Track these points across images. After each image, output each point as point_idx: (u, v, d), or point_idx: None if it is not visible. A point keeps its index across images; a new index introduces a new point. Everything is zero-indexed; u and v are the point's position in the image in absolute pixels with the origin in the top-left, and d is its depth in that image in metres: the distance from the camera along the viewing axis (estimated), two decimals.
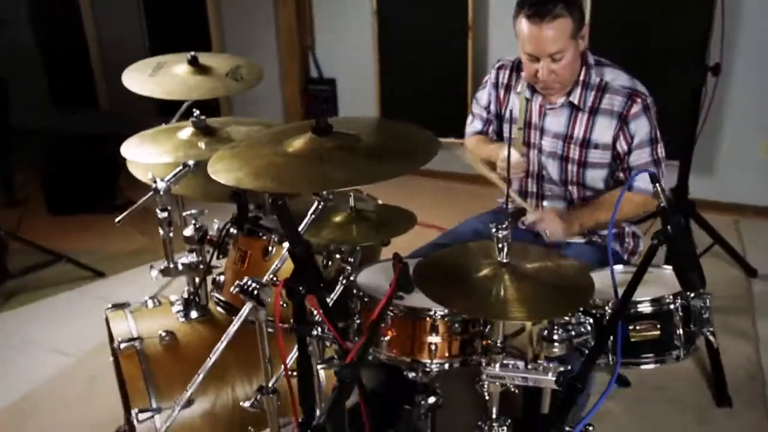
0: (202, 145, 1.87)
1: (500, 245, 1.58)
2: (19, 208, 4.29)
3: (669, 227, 1.45)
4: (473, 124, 2.40)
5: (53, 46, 5.68)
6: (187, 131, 1.94)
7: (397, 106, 4.60)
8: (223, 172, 1.38)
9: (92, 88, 5.56)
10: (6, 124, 5.66)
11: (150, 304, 2.10)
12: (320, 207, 1.56)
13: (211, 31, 5.05)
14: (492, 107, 2.31)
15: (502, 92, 2.28)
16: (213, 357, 1.40)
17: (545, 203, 2.26)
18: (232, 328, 1.39)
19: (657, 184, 1.46)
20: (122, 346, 1.86)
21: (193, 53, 2.44)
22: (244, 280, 1.37)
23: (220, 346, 1.39)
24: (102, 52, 5.52)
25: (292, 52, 4.85)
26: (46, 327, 3.12)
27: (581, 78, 2.08)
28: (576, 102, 2.09)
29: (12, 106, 5.77)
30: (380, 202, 2.07)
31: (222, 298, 1.83)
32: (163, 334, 1.91)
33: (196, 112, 1.94)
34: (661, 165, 2.08)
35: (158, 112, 5.23)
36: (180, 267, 1.96)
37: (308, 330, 1.26)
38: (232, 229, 1.78)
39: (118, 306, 2.07)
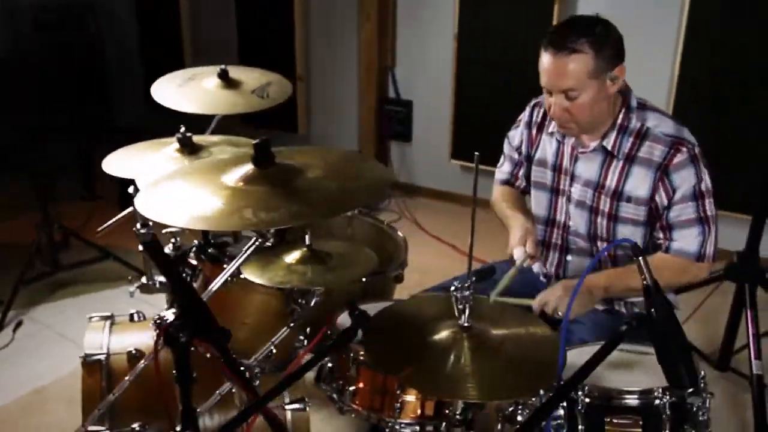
0: (186, 162, 1.81)
1: (460, 306, 1.40)
2: (95, 203, 4.49)
3: (653, 311, 1.22)
4: (503, 167, 2.21)
5: (153, 48, 5.93)
6: (172, 147, 1.87)
7: (471, 132, 4.43)
8: (147, 203, 1.27)
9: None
10: (111, 122, 6.04)
11: (136, 318, 2.06)
12: (256, 244, 1.44)
13: (296, 44, 5.09)
14: (523, 148, 2.11)
15: (534, 132, 2.08)
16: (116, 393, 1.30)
17: (569, 257, 2.02)
18: (139, 365, 1.29)
19: (640, 258, 1.22)
20: (88, 359, 1.82)
21: (223, 67, 2.43)
22: (162, 314, 1.28)
23: (125, 384, 1.29)
24: (195, 56, 5.70)
25: (371, 71, 4.78)
26: (82, 323, 3.19)
27: (619, 121, 1.85)
28: (609, 147, 1.86)
29: (116, 105, 6.13)
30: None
31: None
32: (134, 351, 1.85)
33: (182, 128, 1.86)
34: (710, 224, 1.81)
35: (242, 117, 5.42)
36: (158, 285, 1.90)
37: (191, 383, 1.14)
38: (192, 257, 1.70)
39: (104, 318, 2.05)
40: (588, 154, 1.91)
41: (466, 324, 1.40)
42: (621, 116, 1.86)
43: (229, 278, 1.47)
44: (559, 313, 1.76)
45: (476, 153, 1.32)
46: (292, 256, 1.52)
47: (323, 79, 5.15)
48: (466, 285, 1.38)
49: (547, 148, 2.02)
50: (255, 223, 1.13)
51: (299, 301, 1.50)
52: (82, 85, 5.41)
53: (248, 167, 1.30)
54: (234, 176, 1.29)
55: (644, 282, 1.21)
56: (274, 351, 1.59)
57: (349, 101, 4.98)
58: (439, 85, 4.55)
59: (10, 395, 2.63)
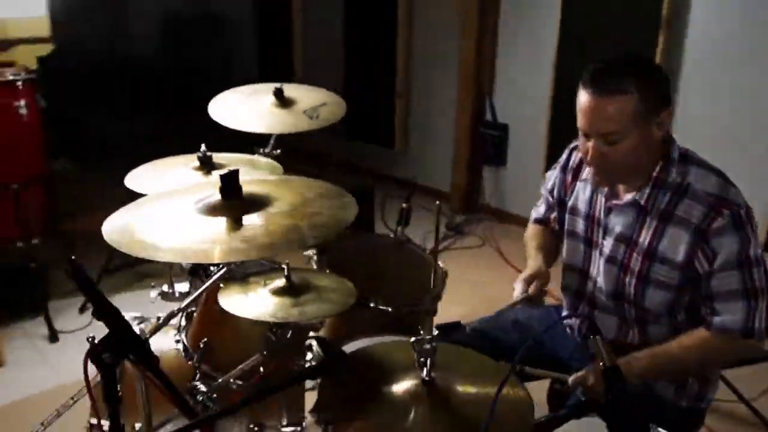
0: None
1: (422, 360, 1.33)
2: None
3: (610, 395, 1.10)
4: (539, 208, 2.09)
5: (269, 62, 6.18)
6: (191, 165, 1.91)
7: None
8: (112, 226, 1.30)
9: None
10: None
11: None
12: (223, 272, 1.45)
13: (398, 61, 5.13)
14: (555, 192, 1.98)
15: (569, 177, 1.94)
16: None
17: (596, 313, 1.87)
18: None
19: (597, 338, 1.10)
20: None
21: (279, 85, 2.48)
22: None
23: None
24: (305, 71, 5.89)
25: (469, 92, 4.72)
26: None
27: (656, 174, 1.67)
28: (642, 203, 1.69)
29: None
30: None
31: (179, 338, 1.79)
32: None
33: (203, 147, 1.90)
34: (757, 296, 1.60)
35: (346, 130, 5.54)
36: (177, 294, 1.97)
37: (118, 403, 1.16)
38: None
39: (134, 318, 2.14)
40: (622, 207, 1.75)
41: (427, 378, 1.33)
42: (658, 169, 1.68)
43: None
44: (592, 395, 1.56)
45: (437, 202, 1.25)
46: (271, 286, 1.51)
47: (422, 98, 5.15)
48: (428, 338, 1.31)
49: (580, 196, 1.88)
50: (188, 256, 1.14)
51: (274, 330, 1.50)
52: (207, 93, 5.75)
53: (215, 197, 1.31)
54: (200, 205, 1.31)
55: (601, 365, 1.08)
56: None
57: (446, 121, 4.95)
58: (535, 111, 4.42)
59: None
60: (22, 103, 3.07)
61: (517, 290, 1.84)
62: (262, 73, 6.17)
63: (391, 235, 2.58)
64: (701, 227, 1.60)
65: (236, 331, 1.64)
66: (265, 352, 1.49)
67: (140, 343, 1.15)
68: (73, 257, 1.06)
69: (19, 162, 3.11)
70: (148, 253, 1.14)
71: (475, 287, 3.74)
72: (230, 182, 1.31)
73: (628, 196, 1.72)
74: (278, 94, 2.47)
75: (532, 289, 1.83)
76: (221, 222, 1.25)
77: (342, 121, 5.73)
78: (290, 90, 2.53)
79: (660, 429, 1.36)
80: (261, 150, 2.62)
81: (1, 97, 3.08)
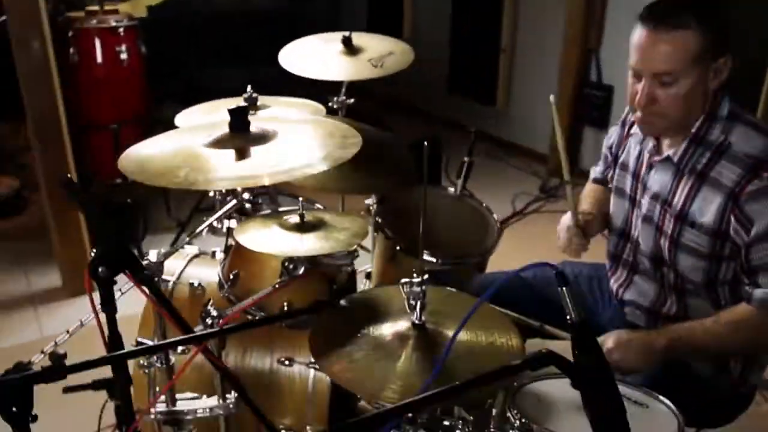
0: None
1: (412, 303, 1.33)
2: None
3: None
4: (598, 166, 1.99)
5: (379, 14, 6.18)
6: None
7: None
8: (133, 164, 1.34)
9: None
10: None
11: (219, 255, 2.25)
12: (236, 205, 1.49)
13: (504, 16, 4.98)
14: (614, 147, 1.88)
15: (626, 131, 1.83)
16: None
17: (636, 278, 1.77)
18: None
19: (564, 288, 1.03)
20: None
21: (347, 33, 2.49)
22: None
23: None
24: (414, 25, 5.85)
25: (575, 51, 4.49)
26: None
27: (695, 129, 1.54)
28: (675, 160, 1.57)
29: None
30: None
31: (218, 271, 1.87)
32: (195, 284, 2.03)
33: (249, 88, 1.94)
34: None
35: (447, 84, 5.48)
36: (223, 229, 2.05)
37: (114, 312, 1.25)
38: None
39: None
40: (663, 163, 1.63)
41: (417, 321, 1.33)
42: (698, 124, 1.54)
43: None
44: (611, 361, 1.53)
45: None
46: (284, 223, 1.56)
47: (527, 55, 4.97)
48: (417, 281, 1.30)
49: (631, 151, 1.77)
50: (180, 182, 1.19)
51: (287, 265, 1.54)
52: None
53: (224, 131, 1.36)
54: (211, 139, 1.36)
55: (568, 319, 1.03)
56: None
57: (548, 80, 4.74)
58: None
59: None
60: (123, 48, 3.29)
61: (565, 221, 1.80)
62: (371, 24, 6.20)
63: (450, 190, 2.55)
64: (734, 190, 1.47)
65: (262, 265, 1.70)
66: (276, 286, 1.54)
67: (134, 262, 1.22)
68: (68, 174, 1.13)
69: (118, 104, 3.35)
70: (144, 178, 1.21)
71: (554, 252, 3.63)
72: (239, 117, 1.35)
73: (670, 151, 1.60)
74: (346, 42, 2.49)
75: (581, 215, 1.80)
76: (228, 153, 1.29)
77: (446, 76, 5.67)
78: (359, 39, 2.53)
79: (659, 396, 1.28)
80: (334, 99, 2.67)
81: (104, 43, 3.31)
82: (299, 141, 1.37)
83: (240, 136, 1.34)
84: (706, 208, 1.52)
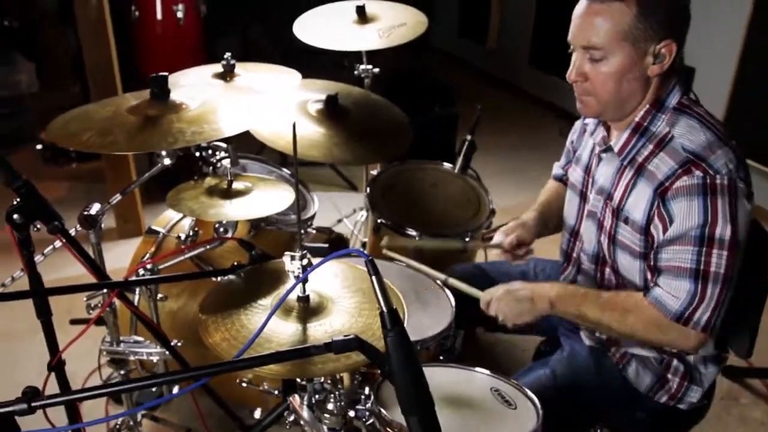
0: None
1: (293, 275, 1.37)
2: None
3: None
4: (561, 161, 1.91)
5: None
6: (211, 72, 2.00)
7: (750, 105, 3.70)
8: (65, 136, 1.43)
9: (486, 26, 5.82)
10: (427, 44, 6.51)
11: None
12: (158, 166, 1.57)
13: None
14: (575, 143, 1.80)
15: (584, 124, 1.75)
16: None
17: (579, 278, 1.71)
18: None
19: (372, 278, 1.02)
20: (149, 231, 2.20)
21: (361, 2, 2.49)
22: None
23: None
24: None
25: None
26: None
27: (637, 119, 1.45)
28: (616, 150, 1.49)
29: (434, 30, 6.55)
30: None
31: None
32: (182, 237, 2.17)
33: (227, 54, 2.00)
34: (708, 284, 1.35)
35: (530, 58, 5.32)
36: None
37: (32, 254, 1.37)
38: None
39: None
40: (607, 154, 1.54)
41: (301, 294, 1.37)
42: (643, 113, 1.44)
43: None
44: (497, 316, 1.56)
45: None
46: (210, 187, 1.64)
47: None
48: (299, 255, 1.34)
49: (586, 144, 1.69)
50: (90, 144, 1.29)
51: (217, 227, 1.62)
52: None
53: (143, 98, 1.44)
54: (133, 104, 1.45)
55: (380, 310, 1.03)
56: None
57: None
58: (725, 53, 3.82)
59: None
60: (180, 7, 3.46)
61: (495, 239, 1.75)
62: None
63: (444, 166, 2.53)
64: (664, 184, 1.38)
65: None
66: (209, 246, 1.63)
67: (50, 211, 1.34)
68: None
69: (174, 60, 3.51)
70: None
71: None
72: (159, 85, 1.44)
73: (611, 142, 1.52)
74: (360, 11, 2.50)
75: (507, 240, 1.73)
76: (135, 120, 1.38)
77: (529, 50, 5.50)
78: (374, 7, 2.54)
79: None
80: (358, 66, 2.71)
81: (161, 2, 3.49)
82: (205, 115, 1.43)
83: (158, 105, 1.42)
84: (639, 203, 1.44)
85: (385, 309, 1.03)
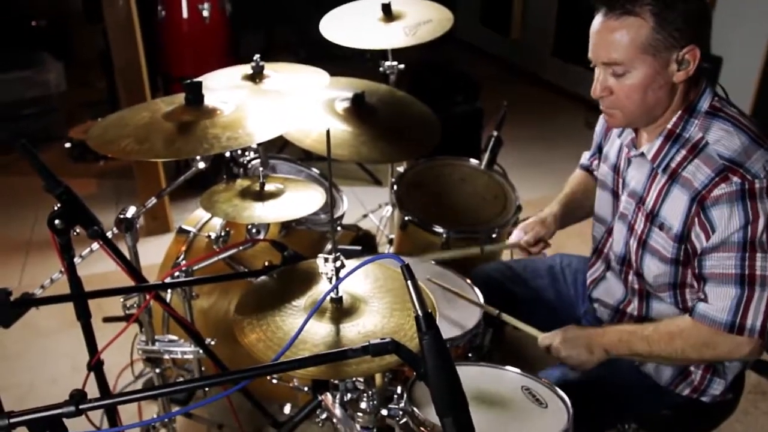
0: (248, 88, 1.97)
1: (327, 278, 1.39)
2: None
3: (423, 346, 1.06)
4: (589, 152, 1.91)
5: None
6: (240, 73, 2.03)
7: None
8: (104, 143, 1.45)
9: (509, 16, 5.79)
10: (450, 35, 6.49)
11: None
12: (194, 169, 1.60)
13: None
14: (599, 136, 1.80)
15: None
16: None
17: (608, 274, 1.72)
18: None
19: (408, 282, 1.04)
20: (180, 230, 2.24)
21: (387, 0, 2.50)
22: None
23: None
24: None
25: None
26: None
27: (669, 126, 1.45)
28: (650, 157, 1.48)
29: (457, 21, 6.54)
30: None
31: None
32: (212, 236, 2.20)
33: (257, 56, 2.02)
34: (755, 287, 1.35)
35: (553, 49, 5.28)
36: None
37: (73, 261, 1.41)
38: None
39: None
40: (638, 159, 1.54)
41: (334, 296, 1.39)
42: (675, 120, 1.43)
43: None
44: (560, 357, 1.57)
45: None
46: (243, 190, 1.66)
47: None
48: (333, 257, 1.36)
49: (613, 142, 1.68)
50: (128, 151, 1.32)
51: (249, 228, 1.65)
52: None
53: (180, 103, 1.47)
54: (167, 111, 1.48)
55: (415, 314, 1.05)
56: None
57: None
58: (753, 42, 3.77)
59: None
60: (206, 6, 3.49)
61: (513, 237, 1.76)
62: None
63: (470, 163, 2.54)
64: (701, 192, 1.37)
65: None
66: (242, 248, 1.66)
67: (88, 216, 1.38)
68: (23, 141, 1.29)
69: (200, 58, 3.57)
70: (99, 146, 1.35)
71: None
72: (194, 91, 1.46)
73: (645, 146, 1.51)
74: (386, 9, 2.51)
75: (526, 237, 1.74)
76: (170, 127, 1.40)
77: (553, 40, 5.46)
78: (400, 4, 2.54)
79: None
80: (383, 63, 2.71)
81: (187, 1, 3.52)
82: (239, 120, 1.45)
83: (192, 110, 1.44)
84: (675, 210, 1.43)
85: (420, 313, 1.05)
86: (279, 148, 2.70)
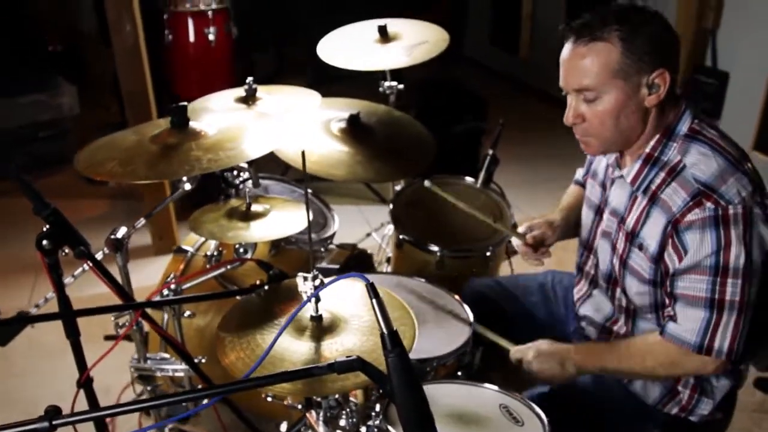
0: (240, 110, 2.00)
1: (306, 296, 1.41)
2: None
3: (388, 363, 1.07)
4: (583, 167, 1.92)
5: None
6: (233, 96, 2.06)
7: None
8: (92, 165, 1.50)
9: (517, 36, 5.83)
10: (459, 53, 6.56)
11: None
12: (178, 191, 1.63)
13: None
14: (593, 158, 1.81)
15: None
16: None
17: (595, 292, 1.72)
18: None
19: (373, 301, 1.06)
20: (178, 250, 2.28)
21: (383, 22, 2.54)
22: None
23: None
24: (534, 9, 5.70)
25: (688, 31, 4.14)
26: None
27: (647, 150, 1.46)
28: (629, 180, 1.49)
29: (466, 39, 6.60)
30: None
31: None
32: (212, 254, 2.23)
33: (250, 79, 2.05)
34: (723, 312, 1.35)
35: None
36: None
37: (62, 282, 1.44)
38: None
39: None
40: (620, 180, 1.55)
41: (314, 314, 1.41)
42: (653, 143, 1.44)
43: None
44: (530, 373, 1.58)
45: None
46: (230, 210, 1.69)
47: None
48: (312, 275, 1.38)
49: (602, 160, 1.69)
50: (113, 173, 1.36)
51: (237, 248, 1.68)
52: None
53: (166, 126, 1.51)
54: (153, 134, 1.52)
55: (380, 332, 1.06)
56: None
57: None
58: (759, 58, 3.75)
59: None
60: (212, 30, 3.57)
61: (521, 229, 1.80)
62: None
63: (465, 180, 2.55)
64: (676, 216, 1.37)
65: None
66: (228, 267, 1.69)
67: (77, 237, 1.41)
68: (13, 162, 1.34)
69: (207, 82, 3.63)
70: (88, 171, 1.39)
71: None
72: (179, 114, 1.50)
73: (626, 169, 1.52)
74: (382, 30, 2.54)
75: (531, 234, 1.76)
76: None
77: None
78: (396, 26, 2.58)
79: None
80: (382, 84, 2.75)
81: (195, 24, 3.60)
82: (222, 142, 1.49)
83: (177, 133, 1.48)
84: (653, 232, 1.44)
85: (385, 331, 1.07)
86: (282, 171, 2.74)
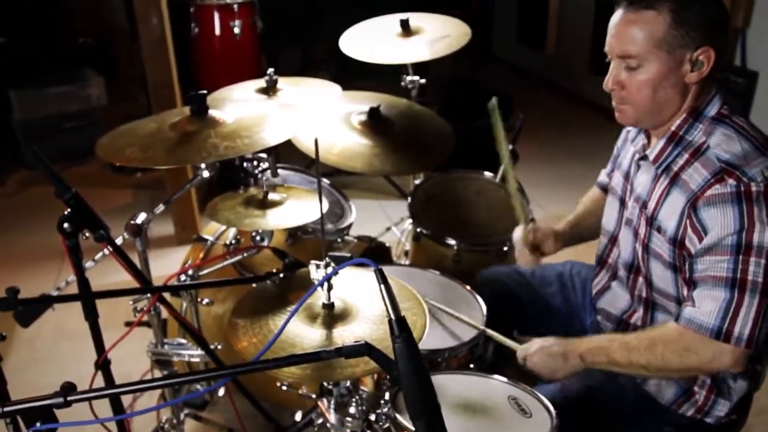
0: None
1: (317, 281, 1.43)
2: None
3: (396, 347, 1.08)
4: (607, 167, 1.90)
5: None
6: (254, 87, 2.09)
7: None
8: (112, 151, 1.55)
9: (544, 32, 5.78)
10: (489, 52, 6.55)
11: None
12: (198, 178, 1.65)
13: None
14: (618, 149, 1.79)
15: (627, 129, 1.74)
16: None
17: (613, 284, 1.71)
18: None
19: (382, 287, 1.07)
20: (198, 238, 2.31)
21: (404, 16, 2.54)
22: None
23: None
24: (561, 5, 5.65)
25: None
26: None
27: (673, 128, 1.44)
28: (652, 158, 1.48)
29: (493, 37, 6.58)
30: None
31: None
32: (230, 242, 2.26)
33: (271, 70, 2.07)
34: (746, 293, 1.31)
35: (589, 64, 5.24)
36: None
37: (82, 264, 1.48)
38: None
39: None
40: (645, 163, 1.53)
41: (326, 302, 1.42)
42: (679, 122, 1.43)
43: None
44: (532, 369, 1.55)
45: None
46: (248, 198, 1.71)
47: None
48: (324, 263, 1.39)
49: (628, 150, 1.68)
50: (132, 158, 1.38)
51: (254, 236, 1.69)
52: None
53: (186, 114, 1.53)
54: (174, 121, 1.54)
55: (388, 318, 1.07)
56: None
57: None
58: None
59: None
60: (237, 23, 3.60)
61: (515, 234, 1.83)
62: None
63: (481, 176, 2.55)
64: (696, 193, 1.36)
65: None
66: (245, 254, 1.71)
67: (97, 221, 1.44)
68: (35, 149, 1.37)
69: (232, 75, 3.63)
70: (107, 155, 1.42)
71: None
72: (199, 102, 1.52)
73: (647, 150, 1.51)
74: (404, 24, 2.55)
75: (533, 234, 1.81)
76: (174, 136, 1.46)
77: (589, 55, 5.41)
78: (418, 20, 2.58)
79: None
80: (404, 78, 2.76)
81: (221, 18, 3.64)
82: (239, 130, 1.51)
83: (196, 121, 1.51)
84: (671, 213, 1.42)
85: (393, 316, 1.08)
86: (306, 165, 2.78)
